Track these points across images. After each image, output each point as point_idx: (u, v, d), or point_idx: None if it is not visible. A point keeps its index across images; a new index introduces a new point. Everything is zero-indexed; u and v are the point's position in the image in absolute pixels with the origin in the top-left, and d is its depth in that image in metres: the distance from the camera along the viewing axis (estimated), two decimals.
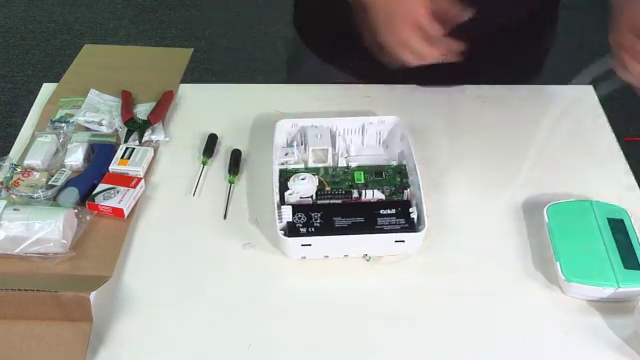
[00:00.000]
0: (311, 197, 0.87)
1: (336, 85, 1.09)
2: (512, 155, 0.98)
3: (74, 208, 0.85)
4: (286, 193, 0.86)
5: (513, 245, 0.85)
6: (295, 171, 0.89)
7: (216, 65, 2.55)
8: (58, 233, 0.81)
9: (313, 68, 1.13)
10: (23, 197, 0.87)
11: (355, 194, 0.87)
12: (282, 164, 0.91)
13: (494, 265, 0.83)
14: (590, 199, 0.87)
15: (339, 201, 0.86)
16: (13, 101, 2.40)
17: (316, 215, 0.83)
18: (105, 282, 0.78)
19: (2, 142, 2.19)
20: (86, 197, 0.87)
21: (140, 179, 0.91)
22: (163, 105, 1.03)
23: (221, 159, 0.97)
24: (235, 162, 0.95)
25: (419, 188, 0.85)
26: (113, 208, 0.86)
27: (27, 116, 1.04)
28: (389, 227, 0.81)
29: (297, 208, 0.83)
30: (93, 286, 0.75)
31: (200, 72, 2.49)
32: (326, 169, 0.91)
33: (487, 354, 0.74)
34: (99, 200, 0.86)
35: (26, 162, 0.93)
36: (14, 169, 0.92)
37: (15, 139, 1.00)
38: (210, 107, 1.07)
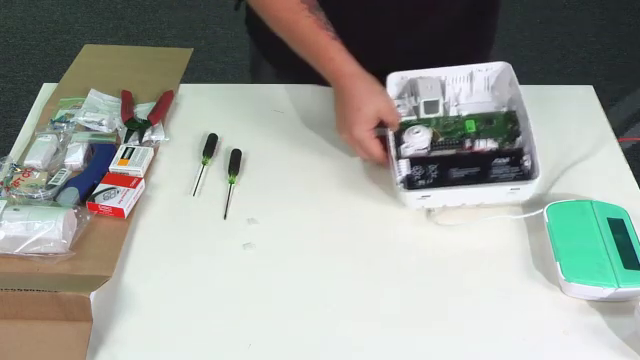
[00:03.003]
0: (425, 149, 0.89)
1: None
2: None
3: (74, 208, 0.85)
4: (402, 147, 0.89)
5: (513, 245, 0.85)
6: (407, 123, 0.91)
7: (216, 65, 2.54)
8: (58, 233, 0.81)
9: (271, 77, 1.13)
10: (23, 197, 0.87)
11: (468, 143, 0.89)
12: None
13: (494, 265, 0.83)
14: (590, 199, 0.87)
15: (453, 151, 0.89)
16: (13, 101, 2.40)
17: (432, 167, 0.85)
18: (105, 282, 0.78)
19: (2, 142, 2.19)
20: (86, 197, 0.87)
21: (140, 179, 0.91)
22: (163, 105, 1.03)
23: (221, 159, 0.97)
24: (235, 162, 0.95)
25: (531, 135, 0.86)
26: (113, 208, 0.86)
27: (27, 116, 1.04)
28: (504, 176, 0.84)
29: (413, 161, 0.86)
30: (93, 286, 0.75)
31: (200, 72, 2.48)
32: (437, 119, 0.94)
33: (487, 354, 0.74)
34: (99, 200, 0.86)
35: (26, 162, 0.93)
36: (14, 169, 0.92)
37: (15, 139, 1.00)
38: (210, 107, 1.07)
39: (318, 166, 0.96)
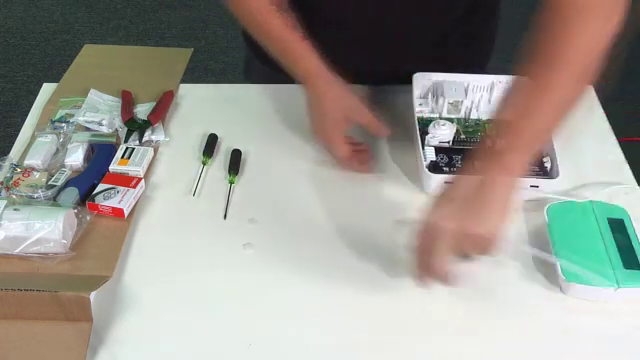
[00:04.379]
0: (448, 142, 0.94)
1: None
2: None
3: (74, 208, 0.85)
4: (427, 137, 0.94)
5: (513, 245, 0.85)
6: (430, 119, 0.96)
7: (216, 65, 2.54)
8: (58, 233, 0.81)
9: (265, 77, 1.12)
10: (23, 197, 0.87)
11: (489, 143, 0.90)
12: (418, 113, 0.98)
13: (494, 265, 0.83)
14: (590, 199, 0.87)
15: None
16: (13, 101, 2.40)
17: (457, 157, 0.91)
18: (105, 282, 0.78)
19: (2, 142, 2.19)
20: (86, 197, 0.87)
21: (140, 179, 0.91)
22: (163, 105, 1.03)
23: (221, 159, 0.97)
24: (235, 162, 0.95)
25: (552, 142, 0.90)
26: (113, 208, 0.86)
27: (27, 116, 1.04)
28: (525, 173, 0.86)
29: (439, 150, 0.92)
30: (93, 286, 0.75)
31: (200, 72, 2.48)
32: (459, 120, 0.98)
33: (487, 354, 0.74)
34: (99, 200, 0.86)
35: (26, 162, 0.93)
36: (14, 169, 0.92)
37: (15, 139, 1.00)
38: (210, 107, 1.07)
39: (318, 166, 0.96)
